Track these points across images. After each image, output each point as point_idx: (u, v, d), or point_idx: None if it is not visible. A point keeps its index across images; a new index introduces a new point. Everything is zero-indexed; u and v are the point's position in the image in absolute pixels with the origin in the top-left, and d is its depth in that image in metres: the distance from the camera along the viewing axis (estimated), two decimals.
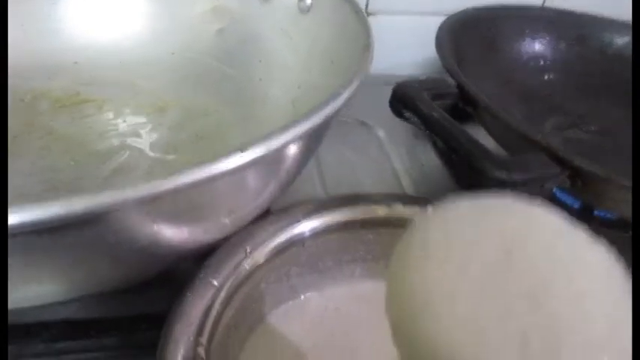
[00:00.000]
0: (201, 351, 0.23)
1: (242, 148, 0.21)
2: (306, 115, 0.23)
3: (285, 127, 0.22)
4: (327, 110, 0.24)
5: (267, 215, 0.29)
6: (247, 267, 0.27)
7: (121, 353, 0.29)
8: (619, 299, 0.17)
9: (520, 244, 0.18)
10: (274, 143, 0.21)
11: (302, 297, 0.31)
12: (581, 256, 0.18)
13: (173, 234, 0.24)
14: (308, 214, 0.30)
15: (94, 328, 0.30)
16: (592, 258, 0.18)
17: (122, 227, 0.21)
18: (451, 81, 0.40)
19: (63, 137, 0.39)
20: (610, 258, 0.18)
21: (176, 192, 0.19)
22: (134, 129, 0.40)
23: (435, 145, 0.41)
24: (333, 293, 0.31)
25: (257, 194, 0.26)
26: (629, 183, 0.32)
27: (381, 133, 0.47)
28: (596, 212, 0.38)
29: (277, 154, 0.23)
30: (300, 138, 0.23)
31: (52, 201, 0.17)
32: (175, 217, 0.22)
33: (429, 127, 0.33)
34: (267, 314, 0.30)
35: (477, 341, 0.16)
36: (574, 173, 0.33)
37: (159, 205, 0.21)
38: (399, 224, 0.28)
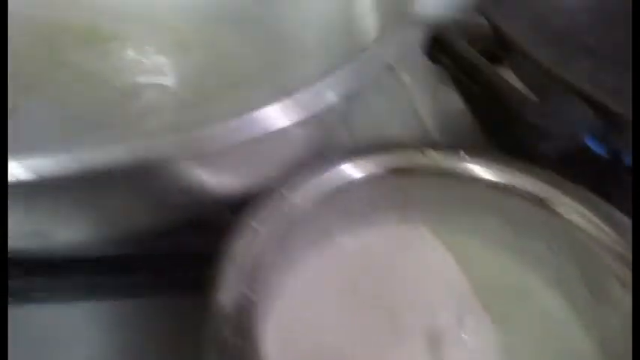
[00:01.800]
0: (251, 295, 0.23)
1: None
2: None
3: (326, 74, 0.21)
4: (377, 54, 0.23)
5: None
6: (285, 210, 0.27)
7: (156, 291, 0.30)
8: None
9: None
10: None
11: (337, 239, 0.31)
12: None
13: (216, 185, 0.23)
14: (344, 161, 0.30)
15: (128, 265, 0.31)
16: None
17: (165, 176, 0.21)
18: (484, 22, 0.39)
19: (87, 74, 0.38)
20: None
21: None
22: (158, 67, 0.39)
23: (462, 90, 0.41)
24: (368, 237, 0.31)
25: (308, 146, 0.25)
26: None
27: (406, 78, 0.46)
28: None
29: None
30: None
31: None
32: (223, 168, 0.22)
33: (467, 73, 0.32)
34: (301, 256, 0.30)
35: None
36: (607, 118, 0.32)
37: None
38: (432, 171, 0.30)
